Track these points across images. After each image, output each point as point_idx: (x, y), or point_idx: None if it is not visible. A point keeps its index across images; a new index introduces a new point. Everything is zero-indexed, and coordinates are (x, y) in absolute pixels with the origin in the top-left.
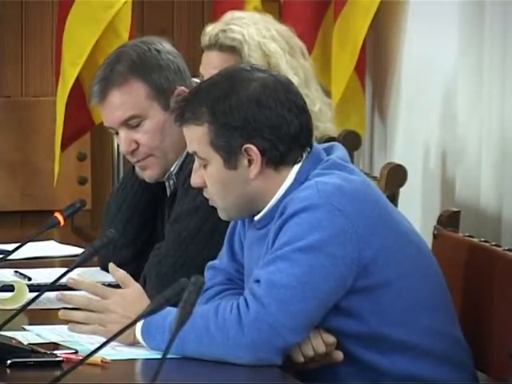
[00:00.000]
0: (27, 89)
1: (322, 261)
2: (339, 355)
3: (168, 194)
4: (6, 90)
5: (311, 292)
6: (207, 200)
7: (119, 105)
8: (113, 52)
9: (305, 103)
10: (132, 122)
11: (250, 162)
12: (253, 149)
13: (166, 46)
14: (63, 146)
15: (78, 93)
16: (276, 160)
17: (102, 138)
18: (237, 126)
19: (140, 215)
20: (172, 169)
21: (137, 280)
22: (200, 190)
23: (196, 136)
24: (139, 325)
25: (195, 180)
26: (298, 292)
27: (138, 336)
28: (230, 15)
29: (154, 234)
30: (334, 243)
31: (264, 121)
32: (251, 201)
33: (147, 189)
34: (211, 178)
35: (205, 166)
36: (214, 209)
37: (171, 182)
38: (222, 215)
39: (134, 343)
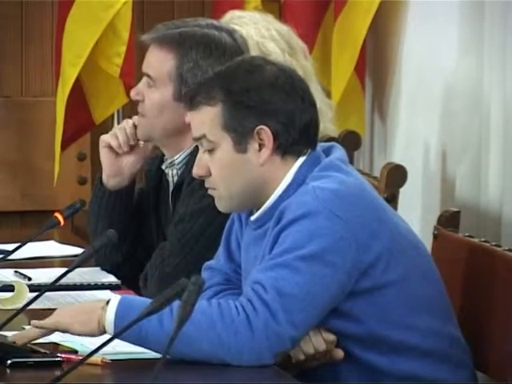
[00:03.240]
0: (27, 89)
1: (323, 269)
2: (339, 353)
3: (171, 185)
4: (6, 90)
5: (313, 301)
6: (213, 202)
7: (150, 59)
8: (196, 20)
9: (315, 101)
10: (148, 79)
11: (260, 146)
12: (266, 131)
13: (226, 46)
14: (63, 146)
15: (78, 93)
16: (285, 146)
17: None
18: (252, 106)
19: (118, 220)
20: (176, 157)
21: (130, 281)
22: (206, 191)
23: (208, 118)
24: (111, 315)
25: (197, 170)
26: (301, 301)
27: (109, 328)
28: (231, 14)
29: (145, 230)
30: (335, 251)
31: (281, 103)
32: (256, 190)
33: (119, 193)
34: (219, 162)
35: (212, 151)
36: (220, 211)
37: (174, 171)
38: (223, 205)
39: (99, 334)
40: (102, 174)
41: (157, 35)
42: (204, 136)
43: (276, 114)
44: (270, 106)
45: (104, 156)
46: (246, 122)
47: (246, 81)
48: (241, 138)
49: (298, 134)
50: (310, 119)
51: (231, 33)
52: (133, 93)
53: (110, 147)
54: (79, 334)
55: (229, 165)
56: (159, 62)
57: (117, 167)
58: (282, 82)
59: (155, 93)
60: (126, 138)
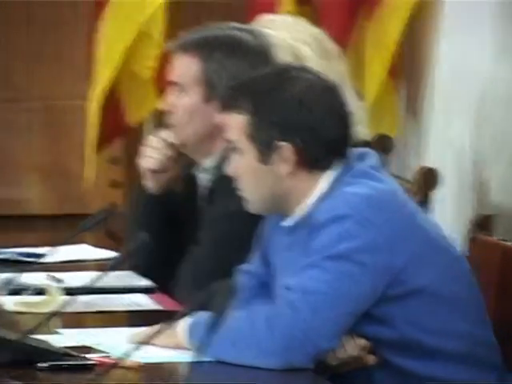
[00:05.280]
0: (61, 92)
1: (351, 268)
2: (372, 359)
3: (203, 189)
4: (40, 93)
5: (342, 299)
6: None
7: (175, 66)
8: (217, 25)
9: (349, 113)
10: (176, 87)
11: (283, 159)
12: (288, 147)
13: (249, 45)
14: (97, 150)
15: (111, 96)
16: (309, 162)
17: (134, 140)
18: (275, 122)
19: (156, 225)
20: (206, 162)
21: (167, 283)
22: (238, 193)
23: (235, 124)
24: (184, 327)
25: (229, 169)
26: (330, 298)
27: (184, 338)
28: (263, 18)
29: (181, 234)
30: (364, 252)
31: (303, 122)
32: (279, 200)
33: (158, 198)
34: (243, 168)
35: (239, 156)
36: (252, 214)
37: (205, 176)
38: (249, 207)
39: (178, 346)
40: (141, 179)
41: (180, 42)
42: (232, 141)
43: (299, 131)
44: (293, 123)
45: (152, 180)
46: (270, 137)
47: (273, 96)
48: (264, 150)
49: (322, 150)
50: (338, 134)
51: (253, 32)
52: (162, 104)
53: (154, 171)
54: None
55: (251, 173)
56: (184, 67)
57: (162, 179)
58: (309, 100)
59: (184, 99)
60: (166, 157)
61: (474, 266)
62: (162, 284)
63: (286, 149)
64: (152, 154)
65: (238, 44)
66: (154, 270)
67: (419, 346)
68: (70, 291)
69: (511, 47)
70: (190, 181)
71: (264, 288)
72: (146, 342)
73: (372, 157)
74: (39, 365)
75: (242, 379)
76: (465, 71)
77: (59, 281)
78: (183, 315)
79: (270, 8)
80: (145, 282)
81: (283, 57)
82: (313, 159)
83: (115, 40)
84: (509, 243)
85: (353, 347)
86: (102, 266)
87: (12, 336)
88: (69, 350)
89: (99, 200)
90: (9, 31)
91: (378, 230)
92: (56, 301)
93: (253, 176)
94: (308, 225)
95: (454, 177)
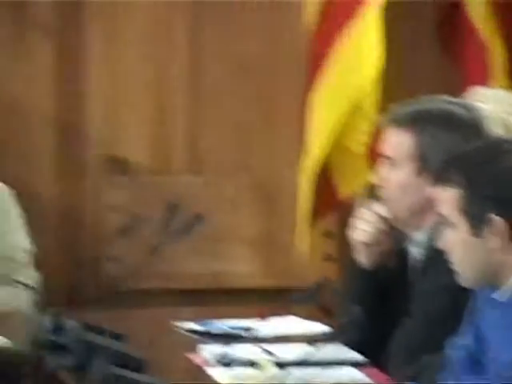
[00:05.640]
0: (271, 165)
1: None
2: None
3: (414, 262)
4: (250, 165)
5: None
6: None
7: (388, 140)
8: (428, 98)
9: None
10: (388, 161)
11: (495, 233)
12: (500, 221)
13: (463, 119)
14: (309, 223)
15: (322, 169)
16: None
17: (348, 214)
18: (488, 196)
19: (370, 300)
20: (417, 235)
21: (379, 357)
22: (450, 267)
23: (447, 198)
24: None
25: (441, 243)
26: None
27: None
28: (475, 91)
29: (392, 306)
30: None
31: None
32: (491, 273)
33: (372, 273)
34: (455, 242)
35: (451, 230)
36: (463, 287)
37: (416, 249)
38: (461, 281)
39: None
40: (353, 253)
41: (392, 116)
42: (443, 215)
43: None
44: (506, 196)
45: (364, 254)
46: (482, 211)
47: (486, 170)
48: (476, 224)
49: None
50: None
51: (465, 106)
52: (374, 178)
53: (366, 244)
54: None
55: (463, 246)
56: (398, 142)
57: (375, 253)
58: None
59: (397, 174)
60: (378, 230)
61: None
62: (374, 357)
63: (498, 223)
64: (364, 226)
65: (450, 117)
66: (366, 344)
67: None
68: (281, 364)
69: None
70: (401, 254)
71: (475, 363)
72: None
73: None
74: None
75: None
76: None
77: (270, 353)
78: None
79: (483, 82)
80: (356, 356)
81: (495, 129)
82: None
83: (328, 114)
84: None
85: None
86: (313, 339)
87: None
88: None
89: (312, 274)
90: (217, 105)
91: None
92: (268, 374)
93: (464, 249)
94: None
95: None
